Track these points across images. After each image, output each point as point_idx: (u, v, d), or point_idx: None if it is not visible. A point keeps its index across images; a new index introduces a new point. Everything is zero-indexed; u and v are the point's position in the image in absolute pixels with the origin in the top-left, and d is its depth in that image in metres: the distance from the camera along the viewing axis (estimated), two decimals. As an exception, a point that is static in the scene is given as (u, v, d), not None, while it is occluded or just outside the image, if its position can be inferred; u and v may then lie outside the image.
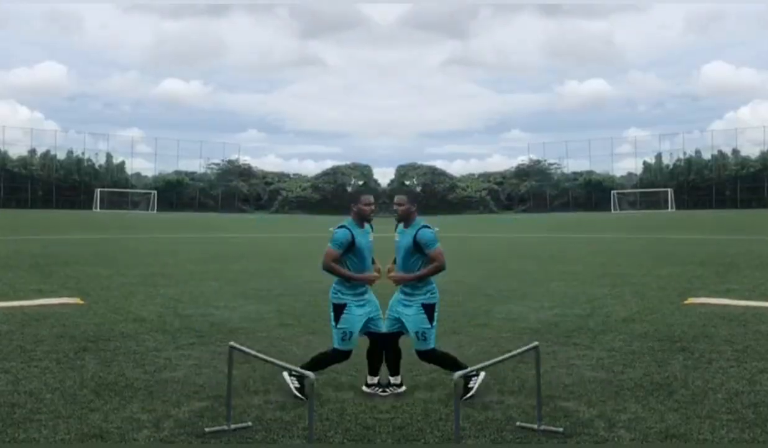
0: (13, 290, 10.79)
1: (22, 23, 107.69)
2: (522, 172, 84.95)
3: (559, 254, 18.97)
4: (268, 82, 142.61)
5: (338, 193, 75.87)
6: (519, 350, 4.73)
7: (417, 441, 4.32)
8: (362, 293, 5.32)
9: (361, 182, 76.19)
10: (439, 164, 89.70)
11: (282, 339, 7.31)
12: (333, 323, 5.33)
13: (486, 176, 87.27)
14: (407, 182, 76.66)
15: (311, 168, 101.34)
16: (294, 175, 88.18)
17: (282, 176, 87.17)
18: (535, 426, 4.46)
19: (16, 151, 75.70)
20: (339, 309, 5.29)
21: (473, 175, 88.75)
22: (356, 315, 5.27)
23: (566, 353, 6.58)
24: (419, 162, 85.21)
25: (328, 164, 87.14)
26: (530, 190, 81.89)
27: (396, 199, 5.46)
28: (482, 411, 4.85)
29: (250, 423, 4.58)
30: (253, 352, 4.66)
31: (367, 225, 5.45)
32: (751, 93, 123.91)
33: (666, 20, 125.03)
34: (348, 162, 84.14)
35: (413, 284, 5.27)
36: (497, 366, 5.12)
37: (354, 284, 5.28)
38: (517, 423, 4.59)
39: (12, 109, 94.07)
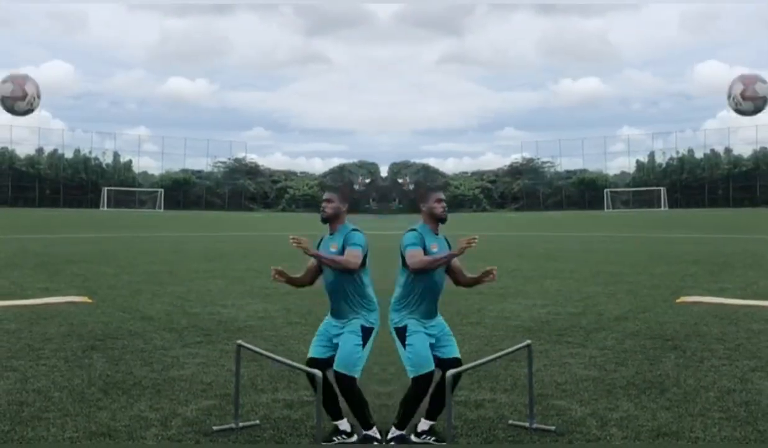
0: (20, 289, 10.86)
1: (27, 23, 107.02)
2: (515, 171, 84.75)
3: (553, 252, 19.03)
4: (273, 80, 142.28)
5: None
6: (511, 349, 4.77)
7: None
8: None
9: (368, 180, 75.97)
10: (432, 162, 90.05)
11: (289, 337, 7.37)
12: None
13: (479, 174, 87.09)
14: (400, 180, 76.59)
15: (318, 166, 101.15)
16: (301, 173, 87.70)
17: (289, 174, 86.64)
18: (527, 424, 4.51)
19: (24, 150, 75.24)
20: None
21: (466, 173, 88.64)
22: None
23: (559, 351, 6.66)
24: (413, 160, 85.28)
25: (335, 162, 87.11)
26: (523, 189, 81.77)
27: (446, 194, 4.43)
28: (474, 410, 4.89)
29: (257, 422, 4.62)
30: (260, 350, 4.68)
31: (347, 229, 4.48)
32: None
33: (661, 19, 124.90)
34: (355, 160, 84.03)
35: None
36: (490, 364, 5.14)
37: None
38: (510, 422, 4.63)
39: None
